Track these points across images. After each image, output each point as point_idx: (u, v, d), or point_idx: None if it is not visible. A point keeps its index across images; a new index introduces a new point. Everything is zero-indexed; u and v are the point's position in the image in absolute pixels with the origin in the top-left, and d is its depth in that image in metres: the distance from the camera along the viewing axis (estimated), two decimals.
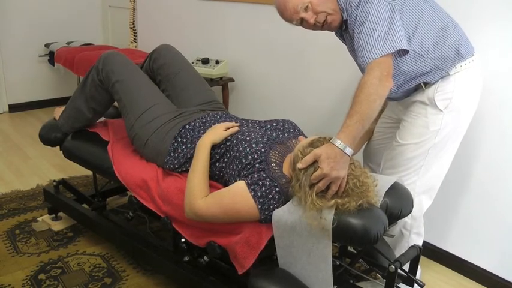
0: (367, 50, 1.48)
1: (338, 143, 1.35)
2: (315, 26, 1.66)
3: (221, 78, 3.16)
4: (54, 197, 2.41)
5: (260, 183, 1.45)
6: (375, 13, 1.49)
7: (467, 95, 1.70)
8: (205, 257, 1.69)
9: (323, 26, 1.65)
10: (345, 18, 1.62)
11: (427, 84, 1.68)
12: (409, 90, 1.73)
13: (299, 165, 1.38)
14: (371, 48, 1.47)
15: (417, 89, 1.71)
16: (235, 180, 1.53)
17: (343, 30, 1.70)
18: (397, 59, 1.56)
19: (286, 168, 1.53)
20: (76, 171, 2.97)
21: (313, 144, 1.42)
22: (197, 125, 1.81)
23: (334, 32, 1.78)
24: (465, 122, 1.74)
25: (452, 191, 2.15)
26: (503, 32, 1.90)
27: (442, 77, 1.66)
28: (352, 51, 1.72)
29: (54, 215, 2.46)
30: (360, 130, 1.39)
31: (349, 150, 1.36)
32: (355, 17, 1.54)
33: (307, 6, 1.61)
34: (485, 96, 1.85)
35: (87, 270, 2.09)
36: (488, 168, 2.06)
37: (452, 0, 1.86)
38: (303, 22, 1.67)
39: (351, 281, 1.69)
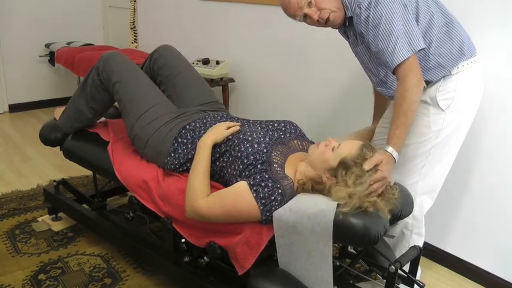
0: (389, 53, 1.52)
1: (395, 154, 1.50)
2: (318, 23, 1.66)
3: (221, 78, 3.16)
4: (55, 197, 2.41)
5: (263, 184, 1.45)
6: (388, 13, 1.51)
7: (469, 94, 1.70)
8: (205, 258, 1.70)
9: (326, 22, 1.66)
10: (348, 16, 1.63)
11: (429, 83, 1.69)
12: None
13: (366, 167, 1.42)
14: (392, 52, 1.51)
15: None
16: (236, 181, 1.53)
17: (347, 26, 1.70)
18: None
19: (289, 169, 1.54)
20: (76, 171, 2.97)
21: (369, 148, 1.47)
22: (197, 125, 1.81)
23: (338, 31, 1.79)
24: (467, 122, 1.74)
25: (452, 192, 2.15)
26: (505, 34, 1.90)
27: (444, 76, 1.66)
28: (356, 46, 1.73)
29: (54, 215, 2.46)
30: (405, 138, 1.56)
31: (396, 155, 1.51)
32: (367, 18, 1.55)
33: (310, 2, 1.62)
34: (487, 97, 1.85)
35: (87, 270, 2.08)
36: (489, 170, 2.06)
37: (454, 2, 1.86)
38: (306, 18, 1.67)
39: (351, 282, 1.69)
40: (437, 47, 1.63)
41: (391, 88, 1.73)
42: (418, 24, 1.59)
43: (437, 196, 1.85)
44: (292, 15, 1.68)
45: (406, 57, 1.50)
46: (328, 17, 1.63)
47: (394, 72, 1.56)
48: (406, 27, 1.52)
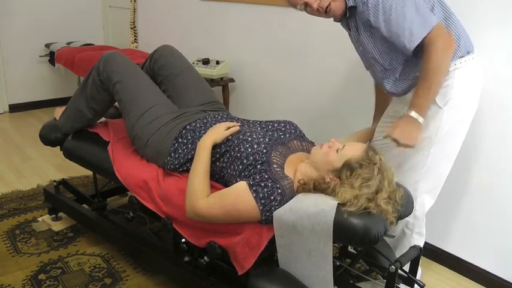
0: (406, 36, 1.56)
1: (413, 113, 1.57)
2: (318, 12, 1.69)
3: (221, 78, 3.16)
4: (55, 197, 2.41)
5: (262, 184, 1.45)
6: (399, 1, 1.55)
7: (467, 91, 1.70)
8: (205, 258, 1.70)
9: (326, 12, 1.68)
10: (349, 5, 1.65)
11: None
12: (409, 83, 1.73)
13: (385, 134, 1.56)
14: (410, 34, 1.55)
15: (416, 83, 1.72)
16: (236, 181, 1.53)
17: (348, 17, 1.72)
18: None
19: (288, 170, 1.53)
20: (76, 171, 2.97)
21: (373, 151, 1.47)
22: (198, 125, 1.81)
23: (340, 23, 1.81)
24: (466, 119, 1.74)
25: (453, 192, 2.15)
26: (505, 34, 1.90)
27: None
28: (358, 36, 1.74)
29: (54, 215, 2.46)
30: (429, 103, 1.62)
31: (421, 120, 1.58)
32: (376, 5, 1.57)
33: None
34: (487, 97, 1.85)
35: (87, 270, 2.09)
36: (489, 170, 2.06)
37: (455, 2, 1.86)
38: (306, 7, 1.69)
39: (351, 282, 1.69)
40: None
41: (393, 75, 1.74)
42: None
43: (438, 196, 1.85)
44: (293, 4, 1.71)
45: (424, 35, 1.54)
46: (328, 6, 1.66)
47: (418, 48, 1.59)
48: (418, 8, 1.55)
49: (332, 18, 1.75)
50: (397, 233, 1.87)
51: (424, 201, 1.81)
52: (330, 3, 1.65)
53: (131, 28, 4.00)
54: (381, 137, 1.95)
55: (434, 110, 1.68)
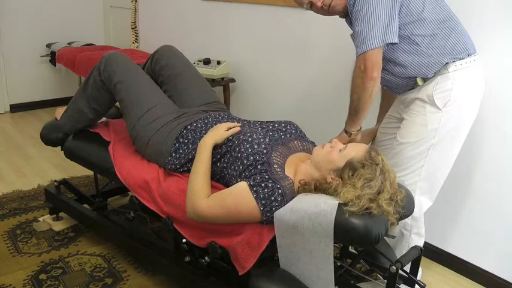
0: (360, 39, 1.61)
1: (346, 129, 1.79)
2: (322, 10, 1.76)
3: (222, 78, 3.16)
4: (55, 197, 2.42)
5: (263, 184, 1.45)
6: (374, 2, 1.58)
7: (467, 93, 1.70)
8: (206, 258, 1.69)
9: (329, 9, 1.75)
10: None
11: (426, 80, 1.69)
12: (407, 80, 1.73)
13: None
14: (363, 38, 1.59)
15: (415, 82, 1.72)
16: (237, 181, 1.53)
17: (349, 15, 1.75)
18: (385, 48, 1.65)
19: (289, 170, 1.54)
20: (77, 171, 2.97)
21: (376, 151, 1.47)
22: (199, 125, 1.81)
23: (345, 20, 1.84)
24: (465, 122, 1.74)
25: (453, 192, 2.15)
26: (506, 34, 1.90)
27: (441, 75, 1.67)
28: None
29: (55, 215, 2.46)
30: (355, 122, 1.78)
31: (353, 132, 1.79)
32: (354, 1, 1.63)
33: None
34: (488, 97, 1.85)
35: (88, 270, 2.09)
36: (489, 170, 2.05)
37: (455, 2, 1.86)
38: (312, 6, 1.77)
39: (352, 282, 1.69)
40: (431, 42, 1.65)
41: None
42: (410, 7, 1.63)
43: (438, 196, 1.85)
44: (300, 3, 1.81)
45: (373, 47, 1.58)
46: (330, 4, 1.73)
47: (356, 57, 1.66)
48: (387, 20, 1.58)
49: (337, 16, 1.80)
50: (395, 235, 1.86)
51: (421, 203, 1.80)
52: (332, 0, 1.71)
53: (132, 28, 4.00)
54: (384, 138, 1.96)
55: (434, 111, 1.68)
